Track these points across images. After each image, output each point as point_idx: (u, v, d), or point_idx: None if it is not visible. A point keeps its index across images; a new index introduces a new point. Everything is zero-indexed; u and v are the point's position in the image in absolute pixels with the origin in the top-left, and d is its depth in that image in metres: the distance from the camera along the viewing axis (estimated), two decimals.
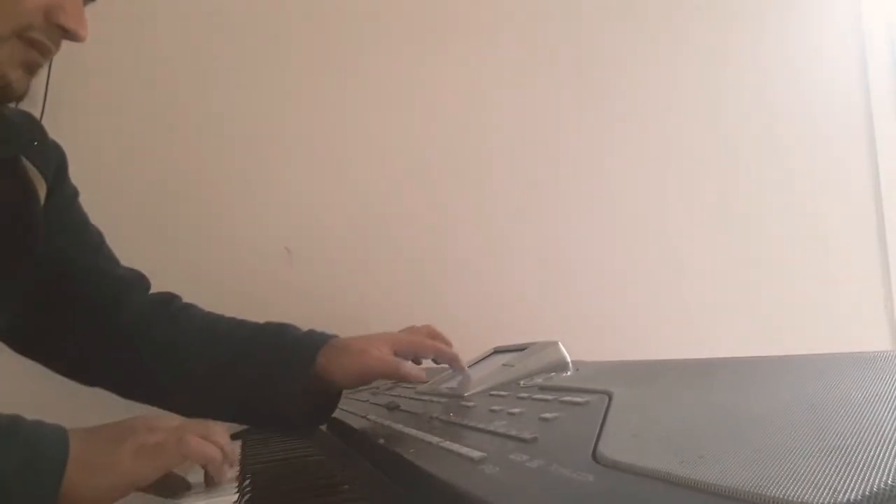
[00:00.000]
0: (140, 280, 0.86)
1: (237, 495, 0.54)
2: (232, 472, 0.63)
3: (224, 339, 0.80)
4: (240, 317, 1.22)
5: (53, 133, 1.20)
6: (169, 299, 0.86)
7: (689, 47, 1.52)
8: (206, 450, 0.56)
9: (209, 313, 0.87)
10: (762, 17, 1.56)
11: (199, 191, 1.24)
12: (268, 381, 0.74)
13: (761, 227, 1.51)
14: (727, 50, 1.54)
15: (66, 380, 0.83)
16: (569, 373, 0.59)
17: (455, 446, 0.39)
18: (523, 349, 0.66)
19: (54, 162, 0.78)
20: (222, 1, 1.28)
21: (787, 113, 1.56)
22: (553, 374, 0.60)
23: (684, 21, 1.52)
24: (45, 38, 0.61)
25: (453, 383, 0.69)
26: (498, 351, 0.77)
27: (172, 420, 0.60)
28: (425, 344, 0.77)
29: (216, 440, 0.57)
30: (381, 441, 0.51)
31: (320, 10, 1.33)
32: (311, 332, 0.79)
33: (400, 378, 0.75)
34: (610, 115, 1.46)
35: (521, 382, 0.59)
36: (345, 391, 0.80)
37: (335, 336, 0.78)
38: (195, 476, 0.61)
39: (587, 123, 1.44)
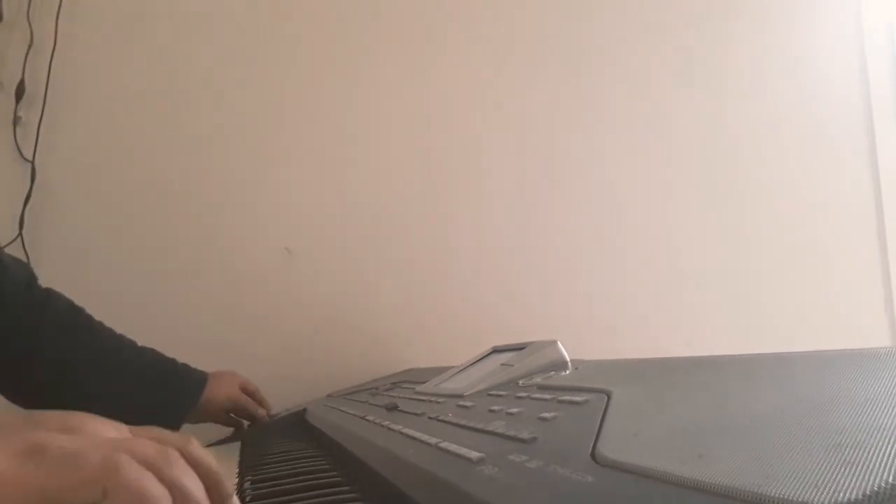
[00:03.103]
0: (26, 270, 0.91)
1: (236, 496, 0.54)
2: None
3: (121, 366, 0.93)
4: (240, 317, 1.23)
5: (54, 133, 1.20)
6: (70, 308, 0.93)
7: (689, 47, 1.52)
8: (148, 492, 0.30)
9: (111, 334, 0.96)
10: (762, 17, 1.56)
11: (199, 191, 1.24)
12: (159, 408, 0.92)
13: (761, 226, 1.51)
14: (727, 50, 1.54)
15: None
16: (568, 372, 0.59)
17: (453, 447, 0.39)
18: (522, 348, 0.66)
19: None
20: (222, 1, 1.28)
21: (787, 113, 1.56)
22: (552, 373, 0.59)
23: (684, 21, 1.52)
24: None
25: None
26: (496, 350, 0.76)
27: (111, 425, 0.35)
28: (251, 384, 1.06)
29: (176, 477, 0.31)
30: (380, 441, 0.51)
31: (320, 11, 1.33)
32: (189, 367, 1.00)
33: (249, 412, 1.03)
34: (610, 115, 1.46)
35: (520, 382, 0.59)
36: (342, 393, 0.81)
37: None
38: None
39: (587, 123, 1.44)
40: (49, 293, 0.91)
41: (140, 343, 0.97)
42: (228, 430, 1.04)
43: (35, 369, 0.86)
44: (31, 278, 0.90)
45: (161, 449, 0.32)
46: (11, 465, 0.29)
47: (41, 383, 0.87)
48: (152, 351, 0.97)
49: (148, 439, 0.33)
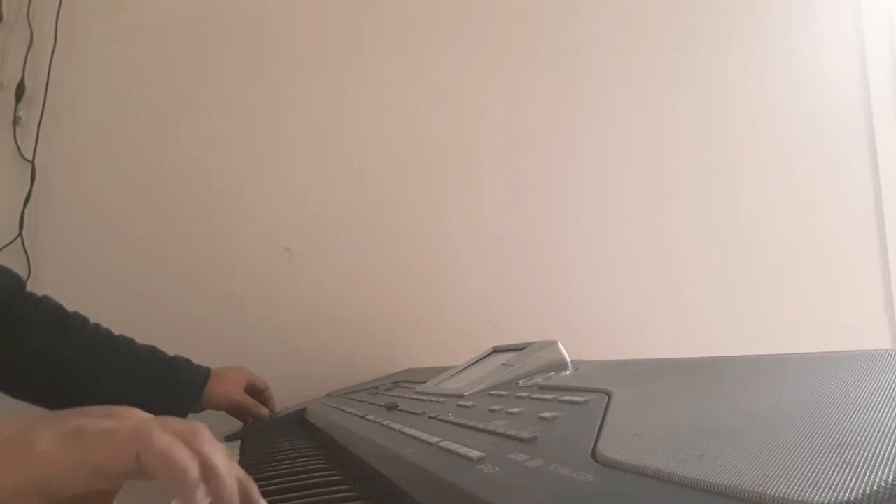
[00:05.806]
0: (19, 280, 0.91)
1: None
2: None
3: (116, 366, 0.92)
4: (241, 317, 1.23)
5: (54, 133, 1.20)
6: (59, 313, 0.93)
7: (689, 47, 1.52)
8: (175, 455, 0.32)
9: (107, 335, 0.95)
10: (762, 17, 1.56)
11: (199, 191, 1.24)
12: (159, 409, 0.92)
13: (761, 226, 1.51)
14: (727, 50, 1.54)
15: None
16: (568, 372, 0.59)
17: (454, 446, 0.39)
18: (522, 349, 0.66)
19: None
20: (222, 2, 1.28)
21: (787, 113, 1.56)
22: (552, 373, 0.59)
23: (683, 21, 1.52)
24: None
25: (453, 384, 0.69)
26: (497, 350, 0.76)
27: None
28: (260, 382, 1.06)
29: (204, 449, 0.34)
30: (381, 440, 0.51)
31: (319, 11, 1.33)
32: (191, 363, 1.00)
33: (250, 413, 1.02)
34: (608, 115, 1.46)
35: (521, 382, 0.59)
36: (342, 393, 0.81)
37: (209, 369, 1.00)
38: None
39: (585, 123, 1.44)
40: (38, 301, 0.91)
41: (140, 343, 0.97)
42: (231, 428, 1.03)
43: (24, 372, 0.87)
44: (19, 287, 0.90)
45: (192, 424, 0.35)
46: (56, 444, 0.32)
47: (33, 384, 0.88)
48: (151, 349, 0.96)
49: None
